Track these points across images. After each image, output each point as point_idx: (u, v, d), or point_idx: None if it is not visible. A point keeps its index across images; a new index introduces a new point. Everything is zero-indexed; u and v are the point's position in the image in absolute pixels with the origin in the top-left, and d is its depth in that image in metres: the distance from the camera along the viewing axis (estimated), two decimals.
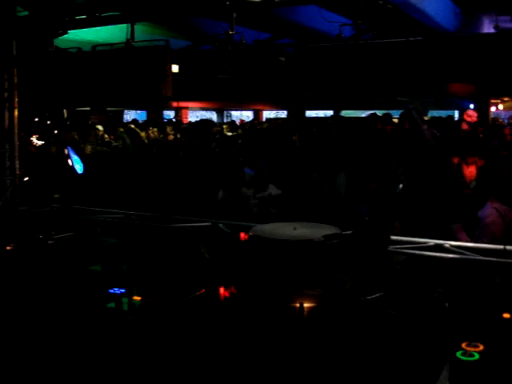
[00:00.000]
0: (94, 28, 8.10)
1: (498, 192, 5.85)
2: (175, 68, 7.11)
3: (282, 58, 6.67)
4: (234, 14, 6.39)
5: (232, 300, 3.31)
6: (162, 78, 6.56)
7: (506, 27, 10.16)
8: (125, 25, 7.13)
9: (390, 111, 22.39)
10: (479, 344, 2.80)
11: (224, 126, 13.04)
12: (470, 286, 4.05)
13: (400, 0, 9.59)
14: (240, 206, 6.64)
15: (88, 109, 18.12)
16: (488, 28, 15.41)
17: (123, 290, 3.73)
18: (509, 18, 8.94)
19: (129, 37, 6.80)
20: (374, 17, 6.88)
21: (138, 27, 7.51)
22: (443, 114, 21.85)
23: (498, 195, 5.81)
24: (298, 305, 3.04)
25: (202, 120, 11.96)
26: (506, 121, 23.25)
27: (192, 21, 7.84)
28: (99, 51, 7.46)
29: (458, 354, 2.69)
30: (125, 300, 3.66)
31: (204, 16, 7.90)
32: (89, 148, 9.13)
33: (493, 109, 22.50)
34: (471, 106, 20.49)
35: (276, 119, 23.88)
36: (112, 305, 3.63)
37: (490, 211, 5.70)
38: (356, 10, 5.94)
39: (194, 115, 28.28)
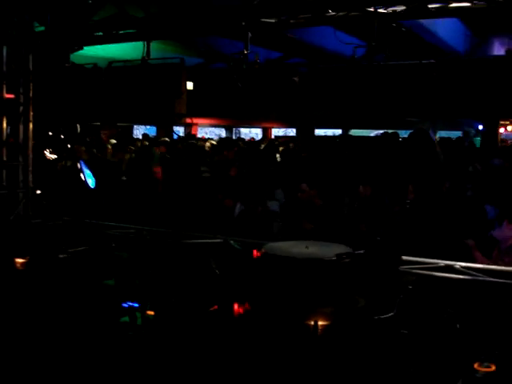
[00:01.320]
0: (110, 44, 8.22)
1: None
2: (190, 85, 7.18)
3: (296, 78, 6.73)
4: (249, 34, 6.47)
5: (246, 316, 3.34)
6: (177, 94, 6.62)
7: None
8: (140, 42, 7.21)
9: (399, 131, 22.45)
10: (491, 364, 2.83)
11: (240, 143, 13.16)
12: (481, 307, 4.07)
13: (411, 22, 9.66)
14: (261, 221, 6.70)
15: (99, 124, 18.26)
16: (498, 50, 15.50)
17: (136, 305, 3.77)
18: None
19: (145, 54, 6.88)
20: (387, 38, 6.95)
21: (152, 44, 7.60)
22: (452, 134, 21.87)
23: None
24: (312, 323, 3.08)
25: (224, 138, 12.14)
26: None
27: (206, 39, 7.93)
28: (115, 67, 7.54)
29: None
30: (138, 314, 3.69)
31: (218, 35, 8.00)
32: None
33: (502, 130, 22.52)
34: (480, 127, 20.55)
35: (284, 137, 23.94)
36: (126, 319, 3.67)
37: (509, 232, 5.71)
38: (369, 31, 6.01)
39: (202, 131, 28.43)
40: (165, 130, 21.35)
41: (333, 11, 5.76)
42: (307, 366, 2.90)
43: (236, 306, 3.38)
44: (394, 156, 9.65)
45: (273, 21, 6.12)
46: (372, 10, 5.65)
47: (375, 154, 11.38)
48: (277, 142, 17.42)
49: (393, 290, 3.63)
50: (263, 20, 6.13)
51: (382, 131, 17.93)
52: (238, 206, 7.00)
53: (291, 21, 6.10)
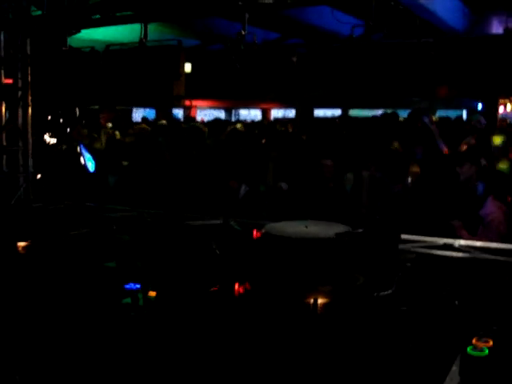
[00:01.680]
0: (107, 27, 8.19)
1: (498, 191, 5.97)
2: (188, 67, 7.17)
3: (294, 58, 6.72)
4: (247, 15, 6.45)
5: (246, 296, 3.38)
6: (175, 76, 6.65)
7: None
8: (137, 24, 7.19)
9: (398, 110, 22.43)
10: (489, 339, 2.87)
11: (238, 125, 13.10)
12: (480, 283, 4.11)
13: (409, 1, 9.62)
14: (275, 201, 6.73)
15: (97, 107, 18.26)
16: (497, 28, 15.45)
17: (138, 286, 3.81)
18: None
19: (142, 36, 6.86)
20: (384, 17, 6.93)
21: (149, 26, 7.57)
22: (452, 113, 21.84)
23: (498, 194, 5.94)
24: (312, 301, 3.12)
25: (215, 120, 12.02)
26: None
27: (203, 20, 7.89)
28: (113, 50, 7.53)
29: (469, 349, 2.76)
30: (140, 296, 3.73)
31: (216, 16, 7.96)
32: (97, 145, 9.21)
33: (501, 109, 22.46)
34: (479, 105, 20.50)
35: (283, 119, 23.87)
36: (128, 300, 3.70)
37: (492, 209, 5.84)
38: (367, 10, 5.99)
39: (202, 114, 28.33)
40: (163, 112, 21.39)
41: None
42: (308, 344, 2.94)
43: (237, 286, 3.41)
44: (394, 136, 9.66)
45: (270, 1, 6.11)
46: None
47: (375, 134, 11.38)
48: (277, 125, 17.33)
49: (392, 267, 3.67)
50: (260, 1, 6.13)
51: (381, 111, 17.94)
52: (243, 187, 7.00)
53: (288, 1, 6.09)
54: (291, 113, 26.79)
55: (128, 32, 8.14)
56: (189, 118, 23.87)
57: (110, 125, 14.47)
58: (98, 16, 7.37)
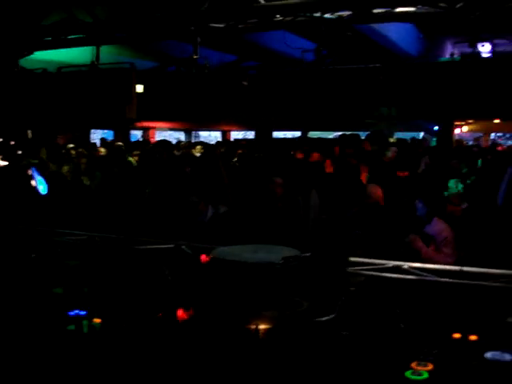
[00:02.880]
0: (60, 49, 8.14)
1: (442, 212, 6.16)
2: (140, 88, 7.14)
3: (245, 82, 6.76)
4: (198, 39, 6.48)
5: (190, 322, 3.35)
6: (127, 99, 6.60)
7: (466, 52, 10.44)
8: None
9: (357, 132, 22.72)
10: (429, 363, 2.89)
11: (198, 147, 13.07)
12: (427, 306, 4.14)
13: (364, 26, 9.78)
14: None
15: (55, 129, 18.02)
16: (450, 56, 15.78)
17: (83, 313, 3.75)
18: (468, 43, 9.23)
19: (94, 59, 6.84)
20: (339, 42, 7.04)
21: (104, 48, 7.55)
22: (409, 135, 22.16)
23: (442, 215, 6.12)
24: (253, 327, 3.10)
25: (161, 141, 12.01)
26: (470, 142, 23.69)
27: (158, 43, 7.91)
28: (65, 72, 7.47)
29: (407, 373, 2.78)
30: (85, 322, 3.66)
31: (170, 38, 7.98)
32: (66, 168, 9.07)
33: (457, 131, 22.89)
34: (436, 127, 20.86)
35: (242, 140, 23.94)
36: (72, 327, 3.64)
37: (442, 226, 6.02)
38: (319, 34, 6.08)
39: (161, 135, 28.19)
40: (122, 134, 21.22)
41: (280, 16, 5.82)
42: (249, 371, 2.92)
43: (180, 312, 3.38)
44: (353, 157, 9.77)
45: (221, 26, 6.15)
46: (319, 15, 5.73)
47: (335, 155, 11.51)
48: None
49: (337, 292, 3.67)
50: (212, 25, 6.16)
51: (340, 133, 18.12)
52: (210, 209, 6.94)
53: (240, 26, 6.14)
54: (251, 134, 26.86)
55: (82, 53, 8.11)
56: (146, 140, 23.84)
57: (70, 145, 14.35)
58: (49, 38, 7.33)
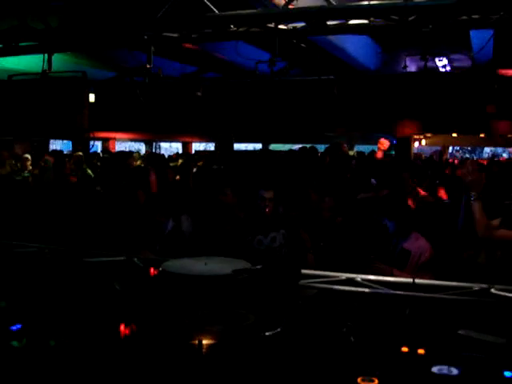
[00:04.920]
0: (12, 57, 7.98)
1: (419, 225, 6.03)
2: (92, 97, 7.03)
3: (199, 93, 6.70)
4: (152, 48, 6.41)
5: (132, 338, 3.24)
6: (79, 108, 6.47)
7: (422, 66, 10.57)
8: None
9: (317, 145, 22.86)
10: (374, 378, 2.84)
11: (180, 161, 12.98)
12: (378, 319, 4.11)
13: (321, 38, 9.82)
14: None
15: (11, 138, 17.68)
16: (409, 66, 15.98)
17: (20, 326, 3.64)
18: (428, 57, 9.35)
19: (45, 67, 6.70)
20: (295, 54, 7.02)
21: (57, 56, 7.42)
22: (367, 148, 22.42)
23: (419, 229, 6.00)
24: (197, 342, 3.02)
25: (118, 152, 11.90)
26: (428, 156, 24.05)
27: (115, 52, 7.79)
28: (15, 81, 7.31)
29: None
30: (25, 338, 3.55)
31: (124, 48, 7.88)
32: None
33: (416, 144, 23.23)
34: (394, 141, 21.12)
35: (203, 151, 23.93)
36: (15, 343, 3.52)
37: (423, 243, 5.82)
38: (272, 46, 6.06)
39: (122, 146, 28.03)
40: (80, 144, 20.95)
41: (234, 26, 5.78)
42: None
43: (122, 327, 3.27)
44: (313, 169, 9.79)
45: (175, 35, 6.09)
46: (273, 26, 5.71)
47: (293, 167, 11.54)
48: (196, 157, 17.34)
49: (286, 305, 3.61)
50: (165, 34, 6.09)
51: (299, 145, 18.23)
52: (170, 222, 6.81)
53: (193, 35, 6.08)
54: (212, 146, 26.87)
55: (34, 60, 7.96)
56: (106, 149, 23.60)
57: (28, 156, 14.08)
58: (0, 45, 7.17)
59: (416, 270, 5.68)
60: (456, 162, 18.07)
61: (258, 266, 4.20)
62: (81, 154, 14.27)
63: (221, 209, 7.14)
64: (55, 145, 26.27)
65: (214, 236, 6.25)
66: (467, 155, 25.16)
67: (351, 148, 22.76)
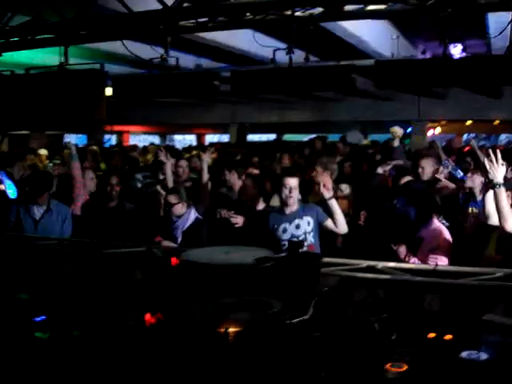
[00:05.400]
0: (28, 50, 7.98)
1: (438, 209, 5.97)
2: (109, 91, 7.02)
3: (217, 82, 6.67)
4: (169, 39, 6.39)
5: (159, 327, 3.25)
6: (96, 101, 6.46)
7: (438, 53, 10.46)
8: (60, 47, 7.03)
9: (331, 135, 22.78)
10: (403, 364, 2.82)
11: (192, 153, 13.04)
12: (402, 305, 4.09)
13: (335, 25, 9.77)
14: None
15: (28, 133, 17.74)
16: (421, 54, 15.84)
17: (43, 318, 3.67)
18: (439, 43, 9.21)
19: (62, 59, 6.70)
20: (311, 42, 6.98)
21: (73, 50, 7.42)
22: (383, 137, 22.27)
23: (439, 212, 5.94)
24: (223, 330, 3.01)
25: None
26: (443, 143, 23.87)
27: (130, 45, 7.78)
28: (33, 74, 7.31)
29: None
30: (52, 328, 3.57)
31: (139, 40, 7.86)
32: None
33: (430, 132, 23.07)
34: (409, 129, 20.98)
35: (217, 143, 23.93)
36: (39, 334, 3.54)
37: (438, 230, 5.74)
38: (288, 34, 6.03)
39: (136, 139, 28.06)
40: (96, 138, 21.05)
41: (251, 14, 5.75)
42: (219, 375, 2.83)
43: (148, 317, 3.28)
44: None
45: (191, 24, 6.07)
46: (290, 12, 5.67)
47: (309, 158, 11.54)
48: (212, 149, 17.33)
49: (310, 293, 3.60)
50: (181, 23, 6.07)
51: (314, 135, 18.17)
52: (192, 212, 6.78)
53: (210, 24, 6.06)
54: (226, 138, 26.82)
55: (50, 54, 7.96)
56: (120, 143, 23.66)
57: (43, 151, 14.16)
58: (17, 39, 7.18)
59: (427, 255, 5.62)
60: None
61: (281, 254, 4.20)
62: (95, 147, 14.32)
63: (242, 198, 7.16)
64: (70, 139, 26.34)
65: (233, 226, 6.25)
66: (482, 142, 24.92)
67: (365, 137, 22.61)
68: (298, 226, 5.87)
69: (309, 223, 5.88)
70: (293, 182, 5.86)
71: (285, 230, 5.88)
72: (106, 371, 3.05)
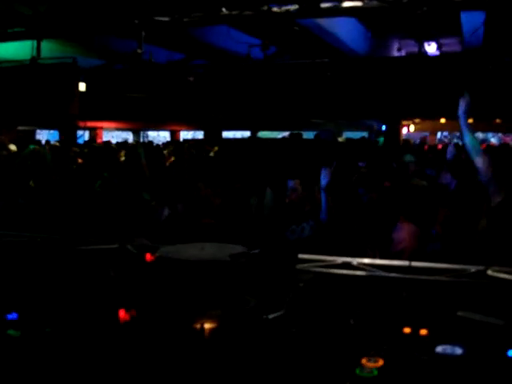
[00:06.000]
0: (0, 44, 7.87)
1: (408, 212, 5.99)
2: (82, 86, 6.94)
3: (191, 78, 6.62)
4: (143, 33, 6.32)
5: (132, 323, 3.21)
6: (69, 96, 6.38)
7: (413, 51, 10.54)
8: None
9: (306, 132, 22.85)
10: (379, 359, 2.82)
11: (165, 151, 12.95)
12: (377, 302, 4.10)
13: (311, 23, 9.76)
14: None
15: None
16: (398, 51, 15.96)
17: (16, 315, 3.60)
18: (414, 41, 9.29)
19: (34, 53, 6.60)
20: (286, 38, 6.96)
21: (47, 44, 7.32)
22: (357, 135, 22.41)
23: (408, 215, 5.96)
24: (199, 326, 2.99)
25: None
26: (417, 141, 24.10)
27: (104, 39, 7.68)
28: (4, 68, 7.20)
29: (357, 370, 2.70)
30: (24, 326, 3.51)
31: (114, 34, 7.78)
32: None
33: (404, 130, 23.27)
34: (383, 127, 21.14)
35: (191, 140, 23.86)
36: (11, 331, 3.48)
37: (403, 235, 5.79)
38: (264, 31, 6.00)
39: (109, 135, 27.85)
40: (68, 134, 20.79)
41: (227, 10, 5.71)
42: (194, 372, 2.80)
43: (122, 313, 3.24)
44: (300, 156, 9.78)
45: (166, 19, 6.00)
46: (266, 8, 5.65)
47: (282, 155, 11.52)
48: (186, 145, 17.29)
49: (285, 289, 3.59)
50: (156, 18, 6.01)
51: (288, 132, 18.20)
52: (166, 209, 6.78)
53: (185, 19, 6.00)
54: (200, 134, 26.76)
55: (22, 48, 7.84)
56: (93, 139, 23.47)
57: (12, 146, 13.98)
58: None
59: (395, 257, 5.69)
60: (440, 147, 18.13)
61: (255, 251, 4.18)
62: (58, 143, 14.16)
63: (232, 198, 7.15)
64: (41, 135, 26.04)
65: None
66: (455, 140, 25.21)
67: (339, 135, 22.72)
68: (303, 230, 5.98)
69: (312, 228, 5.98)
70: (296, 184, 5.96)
71: (293, 232, 5.97)
72: (79, 369, 3.01)
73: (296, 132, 14.89)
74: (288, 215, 6.20)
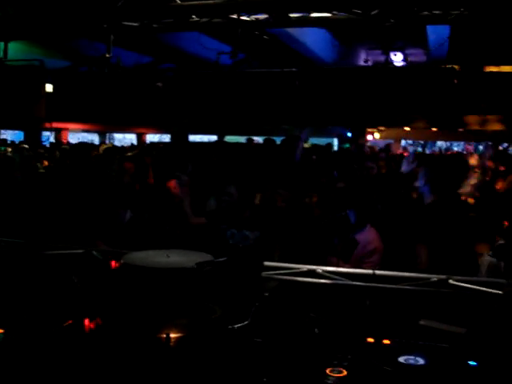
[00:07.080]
0: None
1: (374, 219, 6.09)
2: (49, 87, 6.87)
3: (160, 84, 6.62)
4: (112, 37, 6.29)
5: (97, 332, 3.19)
6: (36, 98, 6.32)
7: (379, 60, 10.67)
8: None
9: (273, 137, 22.88)
10: (342, 369, 2.86)
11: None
12: (341, 310, 4.14)
13: (280, 31, 9.83)
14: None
15: None
16: (363, 61, 16.15)
17: None
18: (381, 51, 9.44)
19: (1, 55, 6.51)
20: (255, 46, 7.01)
21: (14, 45, 7.23)
22: (324, 141, 22.54)
23: (374, 222, 6.06)
24: (164, 335, 2.99)
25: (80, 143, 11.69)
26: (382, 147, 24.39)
27: (71, 41, 7.62)
28: None
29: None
30: None
31: (82, 37, 7.72)
32: None
33: (369, 137, 23.52)
34: (349, 134, 21.34)
35: (158, 143, 23.72)
36: None
37: (372, 236, 5.90)
38: (233, 38, 6.03)
39: (74, 137, 27.55)
40: (32, 135, 20.50)
41: (196, 17, 5.73)
42: (159, 381, 2.81)
43: (87, 321, 3.21)
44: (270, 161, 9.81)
45: (135, 24, 5.99)
46: (235, 17, 5.68)
47: (250, 159, 11.54)
48: (154, 152, 17.17)
49: (250, 297, 3.61)
50: (126, 23, 5.99)
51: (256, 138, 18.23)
52: (128, 212, 6.71)
53: (154, 25, 6.00)
54: (167, 138, 26.64)
55: None
56: (59, 141, 23.16)
57: None
58: None
59: (360, 260, 5.77)
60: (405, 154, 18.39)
61: (222, 259, 4.18)
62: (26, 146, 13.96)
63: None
64: (6, 135, 25.61)
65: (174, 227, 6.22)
66: (419, 149, 25.59)
67: (307, 140, 22.84)
68: (245, 238, 5.94)
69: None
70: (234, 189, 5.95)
71: (232, 236, 5.92)
72: (43, 377, 2.98)
73: (268, 138, 14.92)
74: (224, 218, 6.21)
